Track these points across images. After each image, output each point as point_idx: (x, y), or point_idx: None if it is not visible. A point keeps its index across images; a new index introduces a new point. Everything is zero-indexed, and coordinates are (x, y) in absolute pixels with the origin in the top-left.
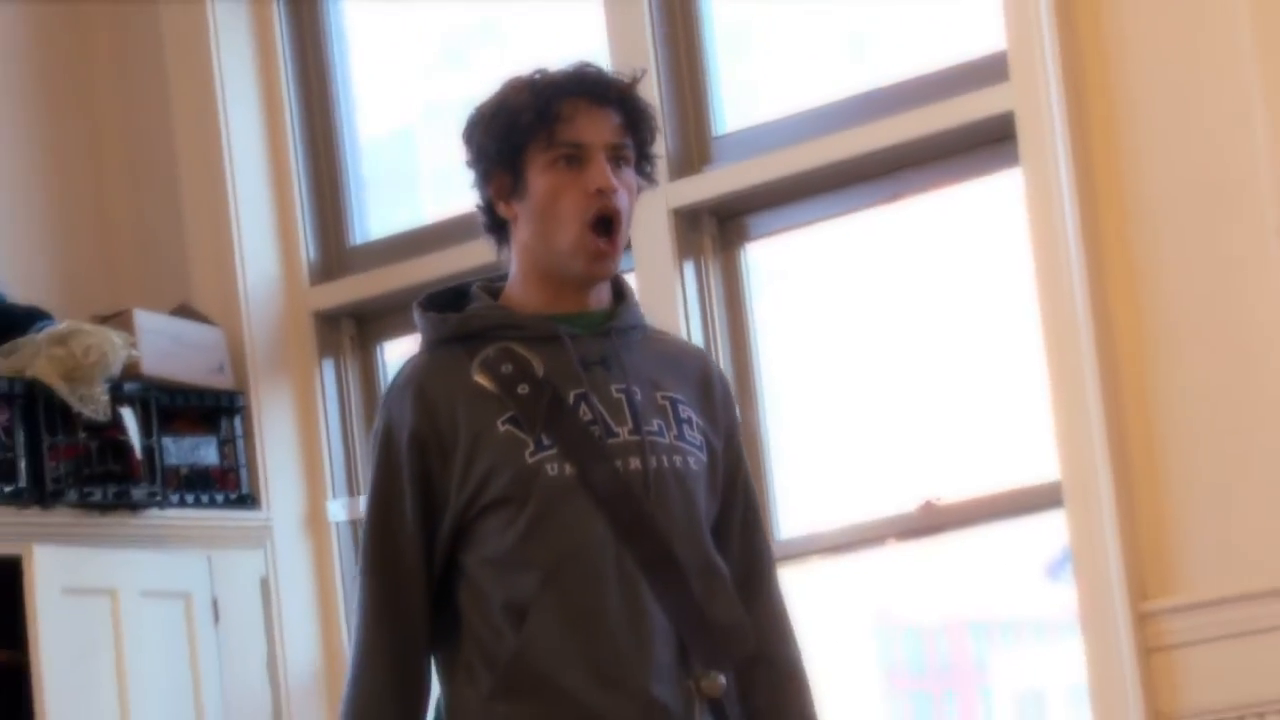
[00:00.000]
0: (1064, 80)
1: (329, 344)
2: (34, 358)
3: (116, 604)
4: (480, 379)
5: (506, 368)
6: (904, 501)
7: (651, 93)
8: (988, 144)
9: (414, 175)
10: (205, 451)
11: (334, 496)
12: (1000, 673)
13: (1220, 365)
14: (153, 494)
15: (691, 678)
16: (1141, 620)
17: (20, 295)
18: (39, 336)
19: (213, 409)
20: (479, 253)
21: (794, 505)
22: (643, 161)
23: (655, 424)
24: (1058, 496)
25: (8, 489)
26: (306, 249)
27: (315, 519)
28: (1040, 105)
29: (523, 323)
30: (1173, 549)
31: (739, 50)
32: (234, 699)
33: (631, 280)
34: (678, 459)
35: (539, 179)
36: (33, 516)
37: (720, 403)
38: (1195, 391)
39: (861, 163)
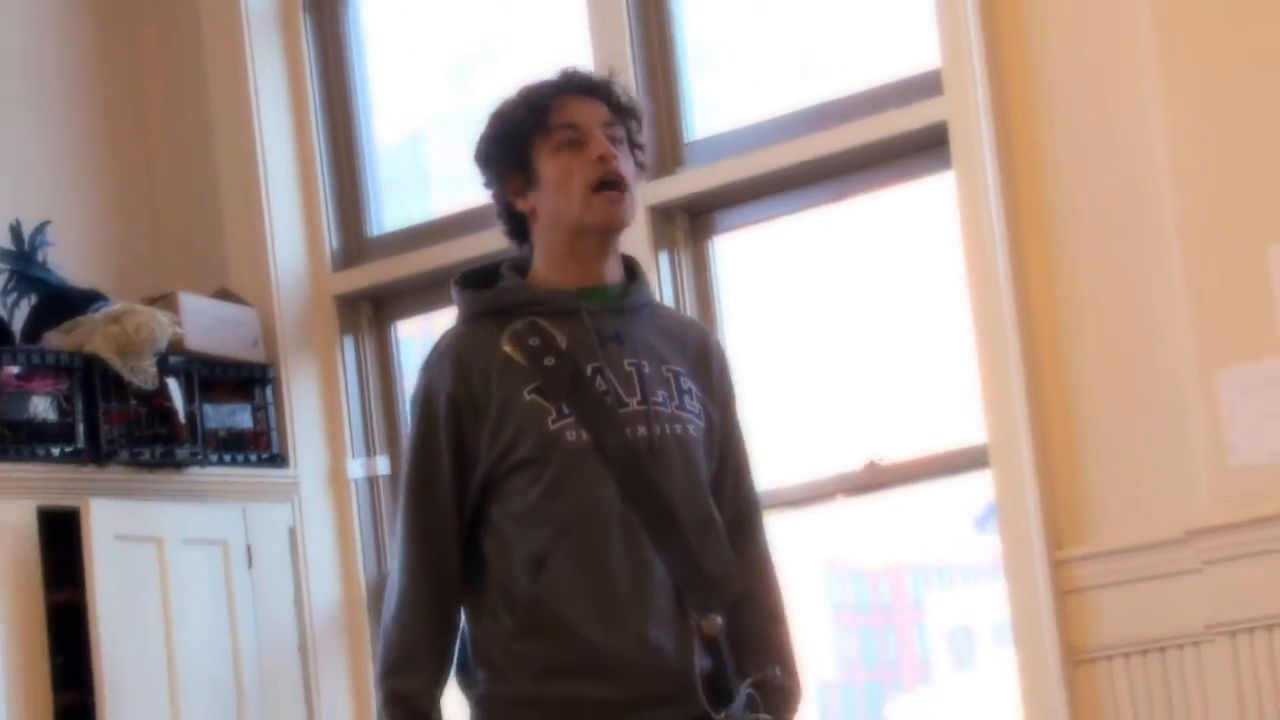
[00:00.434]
0: (991, 94)
1: (349, 323)
2: (91, 334)
3: (162, 550)
4: (509, 350)
5: (534, 341)
6: (851, 461)
7: None
8: (924, 150)
9: (424, 174)
10: (240, 416)
11: (353, 456)
12: (934, 611)
13: (1125, 344)
14: (194, 453)
15: (691, 619)
16: (1057, 566)
17: (80, 279)
18: (96, 315)
19: (247, 379)
20: (482, 244)
21: (756, 465)
22: (634, 149)
23: (660, 395)
24: (984, 458)
25: (68, 449)
26: (329, 239)
27: (337, 476)
28: (970, 116)
29: (546, 299)
30: (1084, 504)
31: (707, 67)
32: (265, 633)
33: None
34: (679, 427)
35: (548, 165)
36: (89, 473)
37: (717, 374)
38: (1104, 367)
39: (814, 166)
